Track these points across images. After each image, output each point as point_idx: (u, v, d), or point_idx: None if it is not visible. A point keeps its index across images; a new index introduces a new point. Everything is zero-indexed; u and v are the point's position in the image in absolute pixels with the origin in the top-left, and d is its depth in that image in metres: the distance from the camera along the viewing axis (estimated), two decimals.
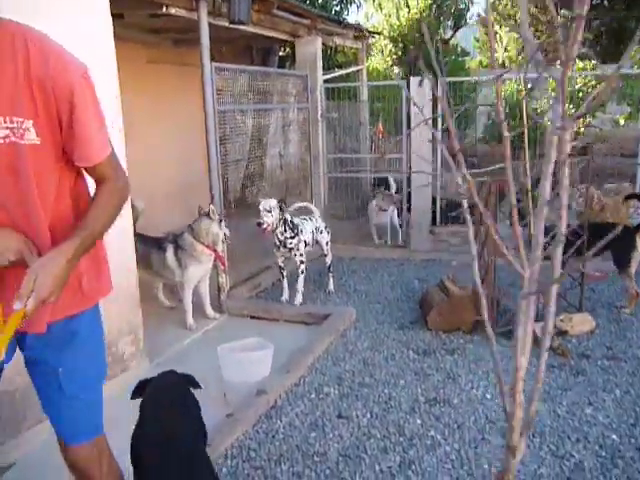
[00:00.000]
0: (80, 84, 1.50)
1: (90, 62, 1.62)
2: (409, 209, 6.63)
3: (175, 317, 4.62)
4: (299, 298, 4.92)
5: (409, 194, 6.62)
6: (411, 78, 6.33)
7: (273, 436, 3.01)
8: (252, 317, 4.77)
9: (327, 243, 5.32)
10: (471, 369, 3.73)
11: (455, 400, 3.34)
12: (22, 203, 1.56)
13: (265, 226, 4.65)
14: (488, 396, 3.37)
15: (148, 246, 4.43)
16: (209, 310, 4.68)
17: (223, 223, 4.47)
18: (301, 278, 4.95)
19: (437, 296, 4.47)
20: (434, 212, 6.55)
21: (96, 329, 1.79)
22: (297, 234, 4.88)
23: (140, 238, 4.18)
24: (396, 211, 6.73)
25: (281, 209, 4.74)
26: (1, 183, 1.53)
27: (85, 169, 1.66)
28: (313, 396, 3.42)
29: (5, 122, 1.46)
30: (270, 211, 4.66)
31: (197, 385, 2.29)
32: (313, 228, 5.16)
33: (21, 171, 1.52)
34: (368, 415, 3.20)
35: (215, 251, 4.46)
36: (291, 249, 4.87)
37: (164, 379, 2.26)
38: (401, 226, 6.85)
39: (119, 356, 3.56)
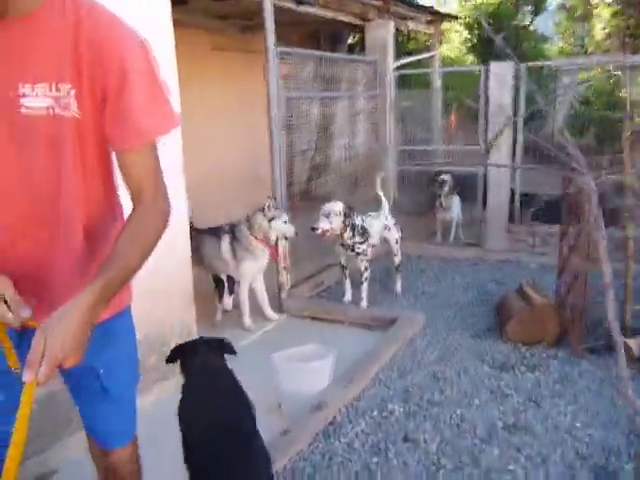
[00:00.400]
0: (134, 52, 1.28)
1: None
2: (484, 204, 6.15)
3: (232, 317, 4.40)
4: (364, 304, 4.58)
5: (485, 189, 6.14)
6: (491, 63, 5.83)
7: (330, 458, 2.69)
8: (313, 318, 4.49)
9: (397, 241, 4.94)
10: (556, 390, 3.28)
11: (538, 427, 2.92)
12: (57, 189, 1.33)
13: (319, 232, 4.27)
14: (578, 424, 2.93)
15: (201, 237, 4.22)
16: (268, 311, 4.41)
17: (279, 221, 4.14)
18: (365, 285, 4.61)
19: (517, 303, 4.03)
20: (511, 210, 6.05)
21: (130, 328, 1.66)
22: (367, 239, 4.56)
23: (193, 231, 3.96)
24: (460, 204, 6.32)
25: (346, 215, 4.36)
26: (41, 166, 1.30)
27: (123, 171, 1.37)
28: (375, 413, 3.08)
29: (50, 90, 1.24)
30: (327, 216, 4.28)
31: (233, 351, 2.27)
32: (381, 227, 4.81)
33: (62, 150, 1.29)
34: (438, 439, 2.83)
35: (271, 247, 4.21)
36: (358, 254, 4.55)
37: (205, 354, 2.20)
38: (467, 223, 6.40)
39: None
